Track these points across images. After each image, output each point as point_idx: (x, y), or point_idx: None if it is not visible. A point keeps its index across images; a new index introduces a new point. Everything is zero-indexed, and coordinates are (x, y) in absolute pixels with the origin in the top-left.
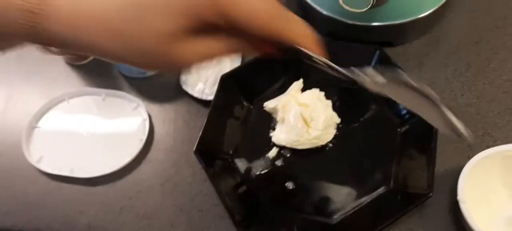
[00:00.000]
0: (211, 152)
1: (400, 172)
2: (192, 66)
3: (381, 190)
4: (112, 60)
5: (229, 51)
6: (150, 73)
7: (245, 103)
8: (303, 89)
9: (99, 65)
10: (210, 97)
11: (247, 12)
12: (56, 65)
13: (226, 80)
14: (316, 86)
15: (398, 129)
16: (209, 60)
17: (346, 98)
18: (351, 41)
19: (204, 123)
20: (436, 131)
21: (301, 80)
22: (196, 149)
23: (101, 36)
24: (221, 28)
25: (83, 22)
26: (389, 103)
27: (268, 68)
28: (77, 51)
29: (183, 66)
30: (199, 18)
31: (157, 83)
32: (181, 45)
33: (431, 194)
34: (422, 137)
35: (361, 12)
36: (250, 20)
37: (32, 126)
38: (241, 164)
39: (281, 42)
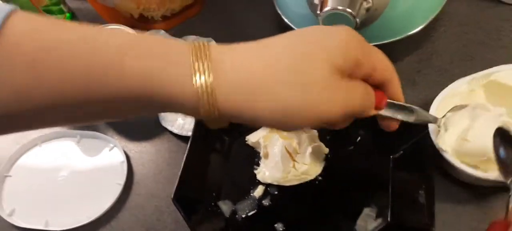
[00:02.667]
0: (192, 196)
1: (397, 203)
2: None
3: (379, 225)
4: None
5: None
6: None
7: (225, 137)
8: None
9: None
10: (191, 133)
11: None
12: None
13: None
14: None
15: (391, 156)
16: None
17: None
18: None
19: (182, 165)
20: (432, 156)
21: None
22: (174, 196)
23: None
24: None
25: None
26: (378, 128)
27: None
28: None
29: (350, 106)
30: (354, 60)
31: (135, 120)
32: (344, 83)
33: (434, 228)
34: (417, 162)
35: None
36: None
37: (3, 175)
38: (225, 207)
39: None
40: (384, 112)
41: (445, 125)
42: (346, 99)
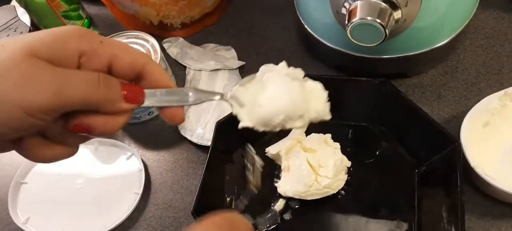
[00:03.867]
0: (211, 209)
1: (424, 219)
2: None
3: None
4: None
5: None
6: (144, 117)
7: (245, 149)
8: (307, 132)
9: None
10: (210, 143)
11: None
12: None
13: (223, 126)
14: (319, 127)
15: (416, 170)
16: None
17: (355, 137)
18: (362, 73)
19: (202, 177)
20: (461, 170)
21: None
22: (193, 208)
23: None
24: None
25: None
26: (401, 141)
27: None
28: None
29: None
30: (73, 49)
31: (153, 128)
32: (55, 70)
33: None
34: (445, 177)
35: (372, 46)
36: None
37: (19, 182)
38: None
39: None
40: (150, 102)
41: (237, 100)
42: (59, 85)
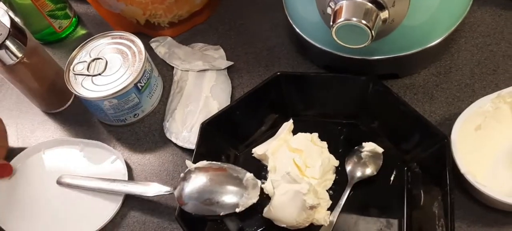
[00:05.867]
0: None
1: (413, 216)
2: None
3: None
4: None
5: None
6: (130, 120)
7: (231, 150)
8: (294, 131)
9: (77, 113)
10: None
11: None
12: (31, 113)
13: (207, 128)
14: (307, 126)
15: (405, 167)
16: None
17: (343, 136)
18: (352, 74)
19: None
20: (450, 167)
21: (291, 121)
22: (177, 213)
23: None
24: None
25: None
26: (391, 138)
27: (253, 110)
28: None
29: None
30: None
31: (138, 131)
32: None
33: None
34: (434, 175)
35: (358, 47)
36: None
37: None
38: (232, 224)
39: None
40: None
41: None
42: None
